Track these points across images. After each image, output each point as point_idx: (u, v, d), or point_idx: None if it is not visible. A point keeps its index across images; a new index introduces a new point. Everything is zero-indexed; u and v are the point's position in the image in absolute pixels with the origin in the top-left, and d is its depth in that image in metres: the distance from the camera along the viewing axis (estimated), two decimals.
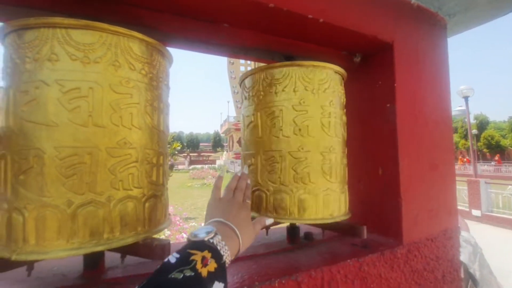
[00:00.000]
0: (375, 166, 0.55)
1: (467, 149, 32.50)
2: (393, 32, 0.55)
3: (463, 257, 1.37)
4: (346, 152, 0.57)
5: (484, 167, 20.94)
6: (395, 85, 0.51)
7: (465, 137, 32.72)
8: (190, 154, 71.99)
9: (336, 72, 0.61)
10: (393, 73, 0.52)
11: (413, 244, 0.51)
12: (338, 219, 0.62)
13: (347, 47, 0.59)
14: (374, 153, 0.56)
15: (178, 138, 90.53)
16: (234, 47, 0.76)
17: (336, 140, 0.61)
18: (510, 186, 11.53)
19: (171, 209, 7.38)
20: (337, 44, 0.61)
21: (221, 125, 48.71)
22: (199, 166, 33.72)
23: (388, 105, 0.53)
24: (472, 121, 31.58)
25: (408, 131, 0.51)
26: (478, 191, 6.44)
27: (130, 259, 0.60)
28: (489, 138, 28.18)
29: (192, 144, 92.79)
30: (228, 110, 44.47)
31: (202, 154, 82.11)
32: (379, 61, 0.53)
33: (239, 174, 0.64)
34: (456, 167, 23.92)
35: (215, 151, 73.05)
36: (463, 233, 1.77)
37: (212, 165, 32.94)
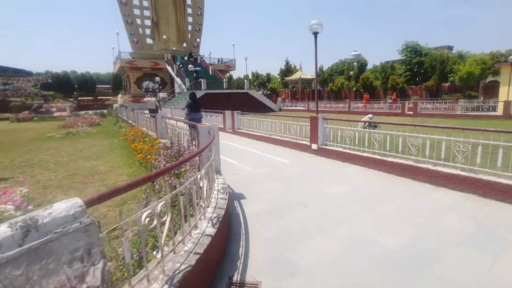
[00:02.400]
0: None
1: (349, 89, 37.43)
2: None
3: None
4: None
5: (358, 105, 24.55)
6: None
7: (348, 78, 37.28)
8: (81, 98, 60.88)
9: None
10: None
11: None
12: None
13: None
14: None
15: (65, 79, 74.26)
16: None
17: None
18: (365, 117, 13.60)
19: None
20: None
21: (114, 63, 41.34)
22: (87, 112, 28.68)
23: None
24: (355, 64, 35.93)
25: None
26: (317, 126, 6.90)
27: None
28: (365, 79, 32.87)
29: (86, 86, 78.26)
30: (118, 44, 37.35)
31: (99, 97, 71.16)
32: None
33: None
34: (357, 105, 27.42)
35: (117, 94, 63.74)
36: None
37: (101, 111, 28.51)
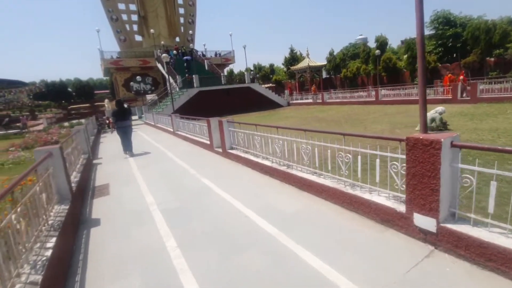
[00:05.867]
0: None
1: (367, 74, 32.27)
2: None
3: None
4: None
5: (385, 92, 19.58)
6: None
7: (365, 62, 32.07)
8: (73, 106, 57.41)
9: None
10: None
11: None
12: None
13: None
14: None
15: (62, 87, 70.70)
16: None
17: None
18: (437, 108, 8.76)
19: None
20: None
21: (100, 65, 37.14)
22: (62, 124, 24.88)
23: None
24: (374, 43, 30.73)
25: None
26: None
27: None
28: (388, 61, 27.72)
29: (84, 93, 75.13)
30: (100, 43, 33.07)
31: (96, 104, 68.00)
32: None
33: None
34: (357, 93, 22.29)
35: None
36: None
37: (79, 121, 24.51)
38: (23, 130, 24.10)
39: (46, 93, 62.28)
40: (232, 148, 6.78)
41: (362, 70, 31.33)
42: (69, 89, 69.98)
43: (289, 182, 4.52)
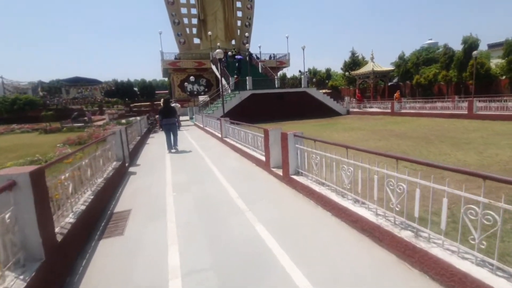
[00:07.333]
0: None
1: (447, 82, 27.32)
2: None
3: None
4: None
5: (479, 104, 15.50)
6: None
7: (446, 67, 27.13)
8: (134, 104, 61.51)
9: None
10: None
11: None
12: None
13: None
14: None
15: (128, 86, 77.27)
16: None
17: None
18: None
19: None
20: None
21: (161, 66, 38.70)
22: (119, 121, 26.02)
23: None
24: (460, 44, 25.55)
25: None
26: None
27: None
28: (478, 67, 22.71)
29: (146, 92, 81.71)
30: (161, 45, 34.33)
31: (156, 103, 72.82)
32: None
33: None
34: (446, 104, 18.07)
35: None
36: None
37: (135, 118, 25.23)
38: (88, 124, 25.62)
39: (115, 91, 68.47)
40: (298, 173, 4.79)
41: (441, 77, 26.54)
42: (135, 89, 76.10)
43: (422, 268, 2.34)
